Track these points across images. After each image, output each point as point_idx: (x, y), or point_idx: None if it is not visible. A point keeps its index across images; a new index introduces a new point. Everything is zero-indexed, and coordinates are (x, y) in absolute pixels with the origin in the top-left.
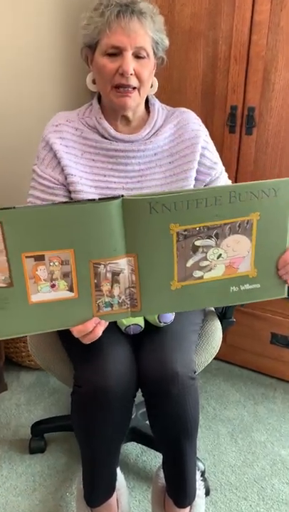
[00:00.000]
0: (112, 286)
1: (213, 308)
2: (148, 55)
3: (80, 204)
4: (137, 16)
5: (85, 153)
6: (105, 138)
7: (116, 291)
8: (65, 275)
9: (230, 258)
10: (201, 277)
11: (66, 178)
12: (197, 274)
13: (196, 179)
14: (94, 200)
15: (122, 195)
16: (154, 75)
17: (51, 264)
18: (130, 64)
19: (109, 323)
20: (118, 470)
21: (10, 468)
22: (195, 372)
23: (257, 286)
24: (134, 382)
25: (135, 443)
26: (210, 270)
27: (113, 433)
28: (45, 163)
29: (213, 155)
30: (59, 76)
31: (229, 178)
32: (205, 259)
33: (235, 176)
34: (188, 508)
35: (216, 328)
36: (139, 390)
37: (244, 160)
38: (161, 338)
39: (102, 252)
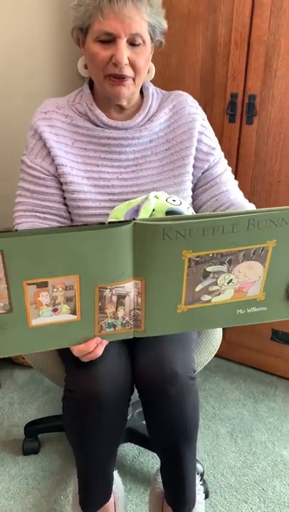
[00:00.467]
0: (116, 309)
1: None
2: (144, 41)
3: (88, 229)
4: (132, 0)
5: (76, 142)
6: (97, 125)
7: (120, 313)
8: (69, 299)
9: (240, 283)
10: (209, 301)
11: (57, 169)
12: (205, 298)
13: (193, 166)
14: (103, 223)
15: (134, 219)
16: (151, 61)
17: (54, 290)
18: (124, 53)
19: None
20: (115, 473)
21: (2, 471)
22: (195, 371)
23: (264, 309)
24: (129, 385)
25: (132, 444)
26: (219, 294)
27: (108, 438)
28: (35, 153)
29: (211, 140)
30: (49, 59)
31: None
32: (215, 284)
33: (235, 168)
34: None
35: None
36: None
37: (244, 150)
38: (159, 335)
39: (108, 277)
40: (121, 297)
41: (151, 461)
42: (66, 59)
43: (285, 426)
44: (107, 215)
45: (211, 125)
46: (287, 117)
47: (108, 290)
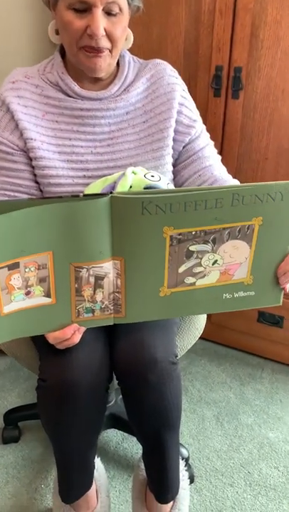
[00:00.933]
0: (94, 292)
1: None
2: (121, 9)
3: (60, 202)
4: None
5: (46, 114)
6: (69, 96)
7: (99, 297)
8: (42, 280)
9: (226, 264)
10: (193, 284)
11: (26, 143)
12: (189, 280)
13: (174, 139)
14: (77, 196)
15: (111, 193)
16: (130, 28)
17: (26, 270)
18: (100, 23)
19: None
20: (98, 460)
21: None
22: (176, 356)
23: (251, 294)
24: (106, 373)
25: (116, 430)
26: (203, 277)
27: (85, 428)
28: (2, 126)
29: (192, 112)
30: (17, 23)
31: (215, 147)
32: (199, 265)
33: (220, 146)
34: (171, 503)
35: None
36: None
37: (230, 127)
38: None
39: (84, 255)
40: (99, 278)
41: (135, 446)
42: (36, 22)
43: (272, 408)
44: (82, 192)
45: (195, 100)
46: (274, 91)
47: (85, 270)
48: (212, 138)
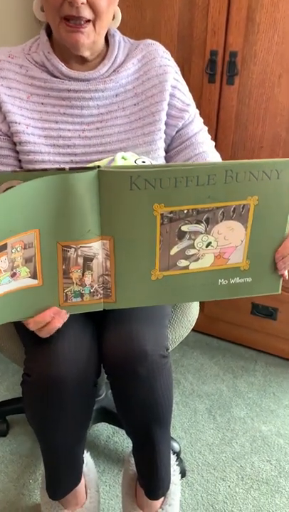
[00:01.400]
0: (83, 274)
1: None
2: None
3: (46, 175)
4: None
5: (31, 96)
6: (56, 76)
7: (88, 280)
8: (28, 260)
9: (220, 247)
10: (187, 267)
11: (9, 127)
12: (182, 263)
13: (166, 124)
14: (63, 169)
15: (99, 166)
16: (122, 10)
17: (13, 250)
18: None
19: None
20: (87, 454)
21: None
22: (167, 349)
23: (248, 280)
24: (94, 367)
25: (106, 423)
26: (197, 260)
27: (72, 424)
28: None
29: (185, 96)
30: (2, 1)
31: (209, 134)
32: (192, 246)
33: (215, 133)
34: (161, 499)
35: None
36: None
37: (225, 113)
38: (128, 310)
39: (72, 233)
40: (88, 260)
41: (126, 440)
42: (21, 0)
43: (265, 401)
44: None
45: (189, 86)
46: (270, 77)
47: (73, 250)
48: (206, 125)
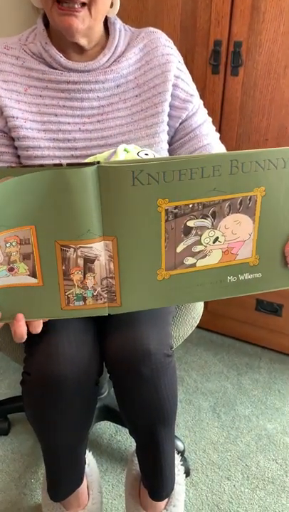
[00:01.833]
0: (84, 276)
1: None
2: None
3: (42, 170)
4: None
5: (29, 89)
6: (54, 68)
7: (90, 283)
8: (26, 257)
9: (228, 242)
10: (194, 265)
11: (7, 123)
12: (189, 261)
13: (169, 115)
14: (60, 165)
15: (98, 162)
16: None
17: (7, 245)
18: None
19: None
20: (89, 454)
21: None
22: (172, 347)
23: (258, 276)
24: (96, 367)
25: (109, 422)
26: (204, 257)
27: (73, 425)
28: None
29: (188, 86)
30: None
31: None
32: (199, 243)
33: (219, 126)
34: (166, 500)
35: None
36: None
37: (229, 106)
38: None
39: (70, 233)
40: (89, 261)
41: (129, 439)
42: None
43: (270, 398)
44: (65, 162)
45: (193, 78)
46: (275, 67)
47: (72, 250)
48: (211, 118)
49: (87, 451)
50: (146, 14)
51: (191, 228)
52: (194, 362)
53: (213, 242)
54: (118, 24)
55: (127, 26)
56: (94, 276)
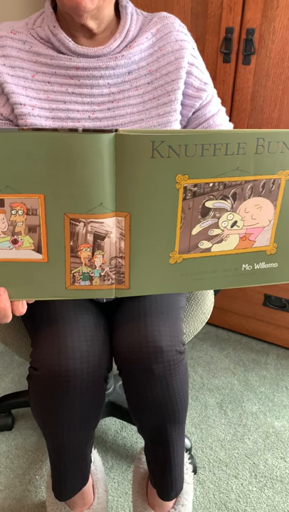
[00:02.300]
0: (93, 254)
1: None
2: None
3: (56, 133)
4: None
5: (37, 74)
6: (62, 53)
7: (98, 261)
8: (32, 229)
9: (247, 228)
10: (208, 249)
11: (13, 110)
12: (204, 245)
13: (182, 104)
14: (76, 130)
15: (116, 130)
16: None
17: (13, 212)
18: None
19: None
20: (94, 451)
21: None
22: (184, 344)
23: (274, 266)
24: (106, 362)
25: (114, 418)
26: (220, 242)
27: (80, 422)
28: None
29: (203, 73)
30: None
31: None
32: (216, 226)
33: (229, 116)
34: (174, 500)
35: (207, 290)
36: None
37: (240, 95)
38: (142, 303)
39: (82, 205)
40: (99, 238)
41: (134, 435)
42: None
43: (277, 395)
44: (81, 128)
45: None
46: None
47: (82, 224)
48: None
49: (92, 449)
50: (155, 0)
51: (210, 209)
52: (200, 357)
53: (231, 227)
54: (130, 8)
55: (139, 10)
56: (103, 255)
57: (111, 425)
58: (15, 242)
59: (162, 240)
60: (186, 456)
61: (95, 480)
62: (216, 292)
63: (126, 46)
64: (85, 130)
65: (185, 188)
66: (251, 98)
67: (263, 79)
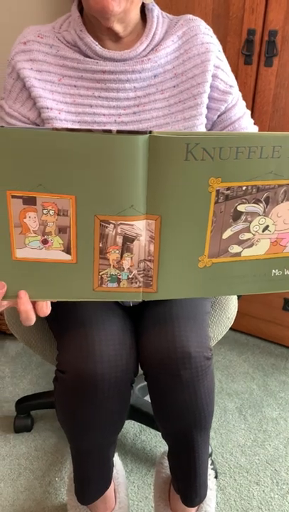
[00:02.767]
0: (121, 256)
1: None
2: None
3: (90, 133)
4: None
5: (63, 78)
6: (89, 57)
7: (126, 263)
8: (62, 230)
9: (278, 232)
10: (238, 254)
11: (40, 114)
12: (234, 249)
13: (208, 107)
14: (110, 131)
15: (150, 131)
16: None
17: (44, 211)
18: None
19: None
20: (116, 456)
21: None
22: (211, 350)
23: None
24: (133, 366)
25: (133, 421)
26: (250, 246)
27: (106, 426)
28: (13, 97)
29: (228, 76)
30: None
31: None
32: (247, 230)
33: None
34: (197, 506)
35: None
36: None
37: (261, 98)
38: (168, 308)
39: (113, 207)
40: (128, 240)
41: (154, 439)
42: None
43: None
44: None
45: None
46: None
47: (112, 226)
48: None
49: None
50: (176, 1)
51: (241, 213)
52: (218, 361)
53: (263, 231)
54: (156, 11)
55: (165, 13)
56: (131, 257)
57: (130, 428)
58: (45, 242)
59: (192, 243)
60: (209, 461)
61: (117, 484)
62: (239, 297)
63: (152, 49)
64: (119, 131)
65: (218, 191)
66: (273, 100)
67: (285, 81)
